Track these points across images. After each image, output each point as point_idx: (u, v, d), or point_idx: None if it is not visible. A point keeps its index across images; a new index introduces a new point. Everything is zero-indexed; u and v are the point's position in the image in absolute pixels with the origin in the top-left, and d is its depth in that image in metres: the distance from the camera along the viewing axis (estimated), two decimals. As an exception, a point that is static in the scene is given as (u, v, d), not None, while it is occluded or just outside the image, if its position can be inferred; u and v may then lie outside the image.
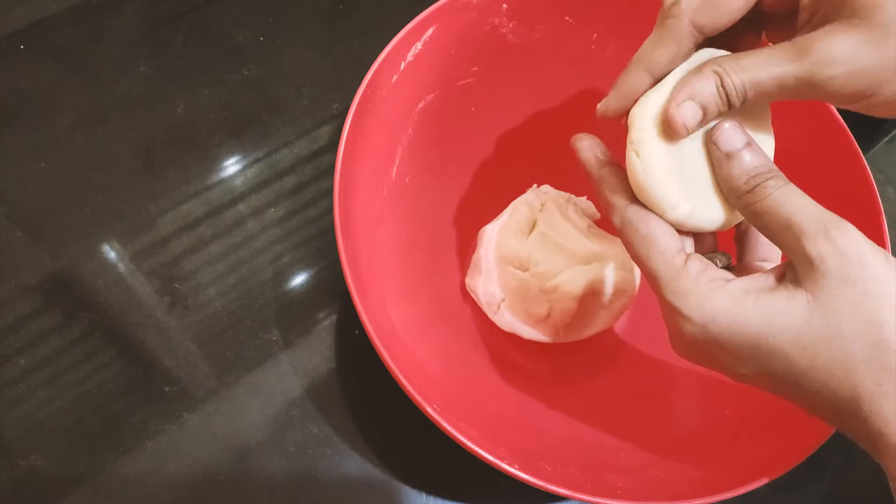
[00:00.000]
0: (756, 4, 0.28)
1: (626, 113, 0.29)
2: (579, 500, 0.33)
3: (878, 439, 0.25)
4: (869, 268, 0.24)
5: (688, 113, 0.26)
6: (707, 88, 0.26)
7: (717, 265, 0.28)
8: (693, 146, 0.28)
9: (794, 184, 0.26)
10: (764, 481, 0.33)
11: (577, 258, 0.44)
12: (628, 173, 0.28)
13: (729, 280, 0.26)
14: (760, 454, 0.36)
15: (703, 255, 0.29)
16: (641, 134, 0.27)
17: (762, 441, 0.37)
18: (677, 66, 0.28)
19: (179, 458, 0.42)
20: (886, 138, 0.59)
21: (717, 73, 0.26)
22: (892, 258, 0.25)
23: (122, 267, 0.47)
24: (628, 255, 0.31)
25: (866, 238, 0.25)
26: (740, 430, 0.39)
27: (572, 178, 0.47)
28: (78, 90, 0.52)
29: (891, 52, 0.25)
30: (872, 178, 0.39)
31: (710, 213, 0.28)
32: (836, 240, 0.24)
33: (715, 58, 0.27)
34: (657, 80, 0.28)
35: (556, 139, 0.47)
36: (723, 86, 0.26)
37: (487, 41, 0.43)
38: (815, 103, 0.41)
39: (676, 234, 0.28)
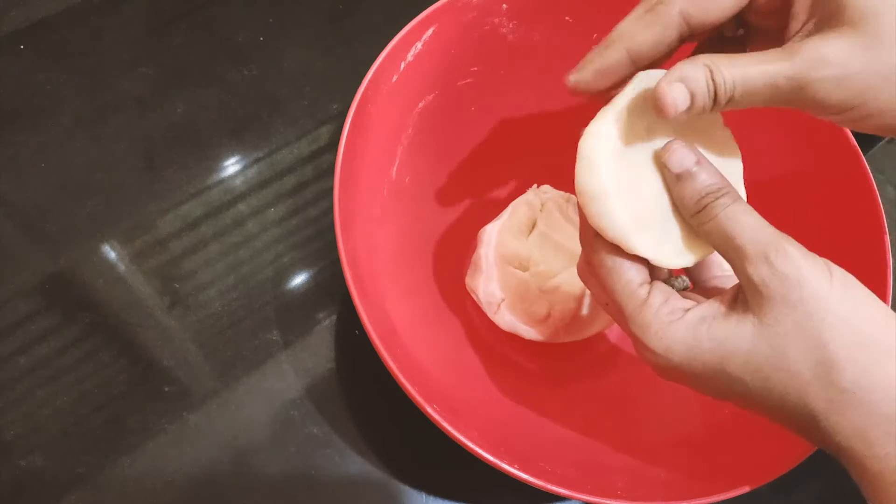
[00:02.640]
0: (745, 8, 0.27)
1: (598, 92, 0.28)
2: (579, 500, 0.33)
3: (841, 451, 0.25)
4: (809, 289, 0.24)
5: (678, 93, 0.25)
6: (699, 75, 0.25)
7: (674, 287, 0.28)
8: (650, 184, 0.28)
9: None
10: (763, 482, 0.33)
11: (577, 258, 0.44)
12: (586, 212, 0.28)
13: (688, 309, 0.27)
14: (759, 454, 0.36)
15: (665, 279, 0.29)
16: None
17: (761, 441, 0.37)
18: (659, 54, 0.27)
19: (179, 458, 0.42)
20: (886, 138, 0.59)
21: (707, 65, 0.25)
22: (837, 274, 0.25)
23: (122, 267, 0.47)
24: None
25: (808, 256, 0.25)
26: (739, 430, 0.39)
27: (572, 178, 0.47)
28: (78, 90, 0.52)
29: (883, 59, 0.24)
30: (872, 178, 0.39)
31: (673, 250, 0.28)
32: (774, 263, 0.24)
33: (705, 54, 0.26)
34: (636, 64, 0.27)
35: (556, 139, 0.47)
36: (712, 78, 0.25)
37: (487, 41, 0.43)
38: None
39: (642, 265, 0.28)
